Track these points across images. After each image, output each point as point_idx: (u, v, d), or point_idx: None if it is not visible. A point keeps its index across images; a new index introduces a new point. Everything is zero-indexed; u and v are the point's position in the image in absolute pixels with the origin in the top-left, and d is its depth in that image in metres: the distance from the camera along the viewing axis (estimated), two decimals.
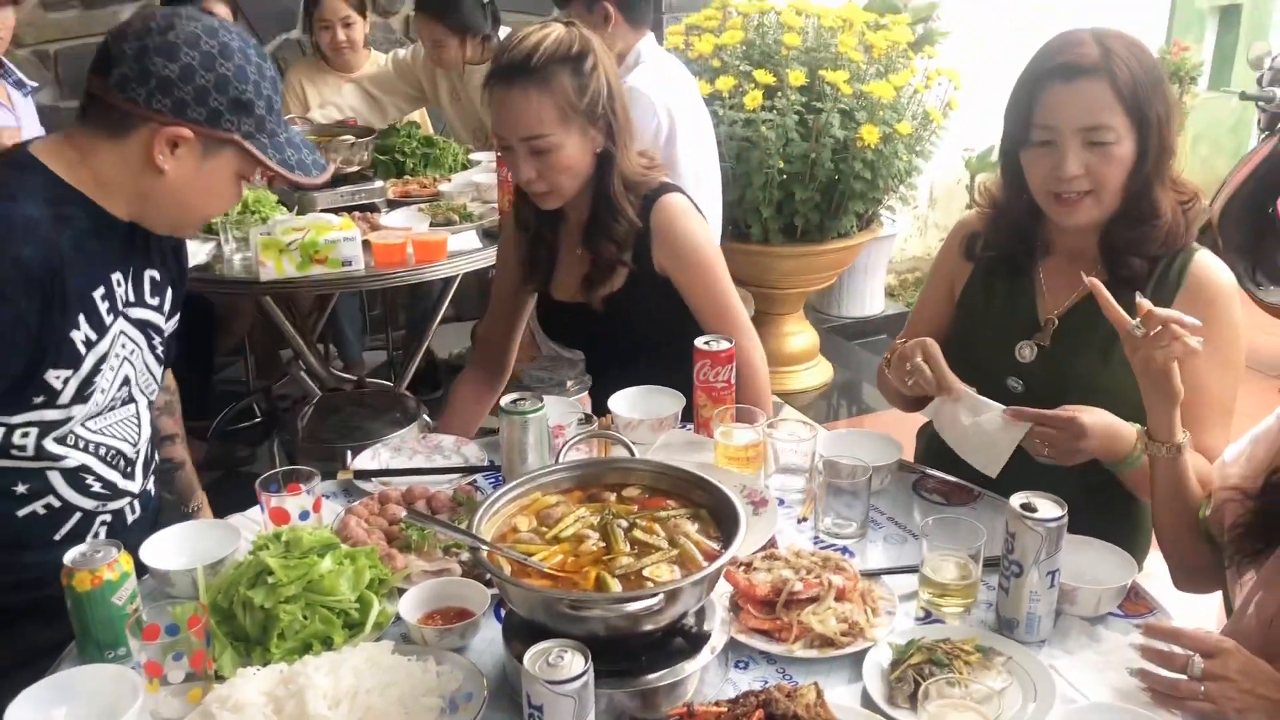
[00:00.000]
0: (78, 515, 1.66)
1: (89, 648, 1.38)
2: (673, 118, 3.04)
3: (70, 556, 1.37)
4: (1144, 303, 1.49)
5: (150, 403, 1.77)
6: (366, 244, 2.80)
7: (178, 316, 1.80)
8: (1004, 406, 1.67)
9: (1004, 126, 1.79)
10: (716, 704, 1.23)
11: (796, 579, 1.42)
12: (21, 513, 1.61)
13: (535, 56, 1.88)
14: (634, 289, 2.09)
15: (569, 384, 1.95)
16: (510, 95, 1.91)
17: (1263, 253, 4.59)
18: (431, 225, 3.00)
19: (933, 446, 2.08)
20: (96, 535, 1.68)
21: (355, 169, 3.20)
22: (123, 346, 1.63)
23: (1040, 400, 1.79)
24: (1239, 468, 1.53)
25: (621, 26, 3.05)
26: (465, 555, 1.54)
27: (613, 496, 1.45)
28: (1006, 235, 1.88)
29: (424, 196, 3.30)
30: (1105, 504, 1.70)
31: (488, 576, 1.42)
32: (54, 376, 1.52)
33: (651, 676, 1.27)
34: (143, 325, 1.67)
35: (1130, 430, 1.63)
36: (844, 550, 1.62)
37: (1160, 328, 1.46)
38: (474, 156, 3.67)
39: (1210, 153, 6.03)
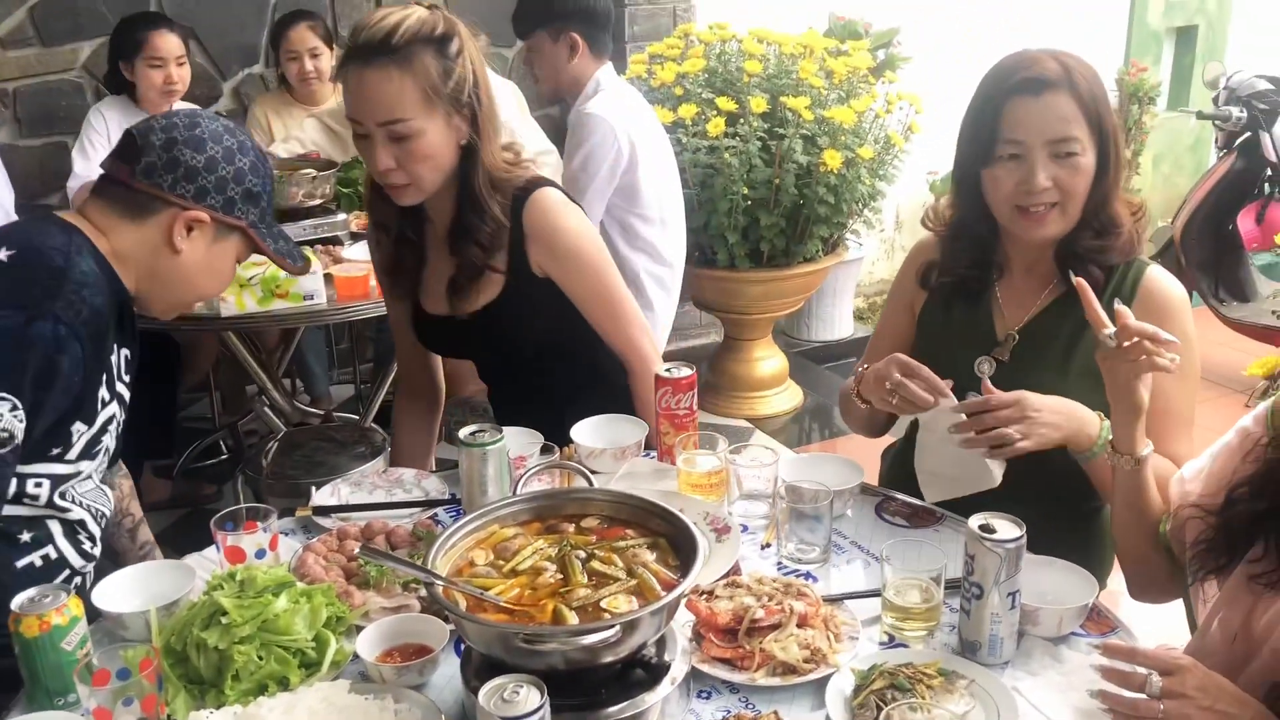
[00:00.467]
0: (65, 574, 1.69)
1: (38, 695, 1.35)
2: (634, 144, 3.05)
3: (17, 602, 1.35)
4: (1124, 311, 1.49)
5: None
6: (329, 277, 2.78)
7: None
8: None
9: (960, 146, 1.81)
10: None
11: (758, 606, 1.41)
12: (20, 563, 1.64)
13: (396, 35, 1.75)
14: (513, 296, 1.97)
15: None
16: (367, 76, 1.76)
17: (1224, 269, 4.64)
18: None
19: (897, 468, 2.08)
20: None
21: (317, 202, 3.19)
22: (115, 412, 1.72)
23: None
24: (1199, 484, 1.54)
25: (585, 56, 3.07)
26: (425, 591, 1.52)
27: (571, 527, 1.43)
28: (963, 256, 1.89)
29: None
30: (1066, 524, 1.70)
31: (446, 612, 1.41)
32: (76, 429, 1.63)
33: (612, 709, 1.25)
34: (121, 399, 1.74)
35: (1093, 414, 1.64)
36: (807, 575, 1.61)
37: (1133, 341, 1.47)
38: None
39: (1171, 171, 6.11)
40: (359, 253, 3.03)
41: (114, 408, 1.70)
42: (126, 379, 1.73)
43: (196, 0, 4.21)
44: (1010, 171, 1.73)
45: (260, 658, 1.35)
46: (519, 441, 1.81)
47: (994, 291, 1.88)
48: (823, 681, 1.35)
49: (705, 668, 1.38)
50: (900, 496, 1.83)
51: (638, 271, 3.21)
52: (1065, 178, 1.70)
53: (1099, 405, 1.62)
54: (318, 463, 2.88)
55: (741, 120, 3.78)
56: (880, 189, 4.05)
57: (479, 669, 1.28)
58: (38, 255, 1.57)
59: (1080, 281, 1.56)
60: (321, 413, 3.89)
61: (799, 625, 1.40)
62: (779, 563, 1.65)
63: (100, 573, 1.79)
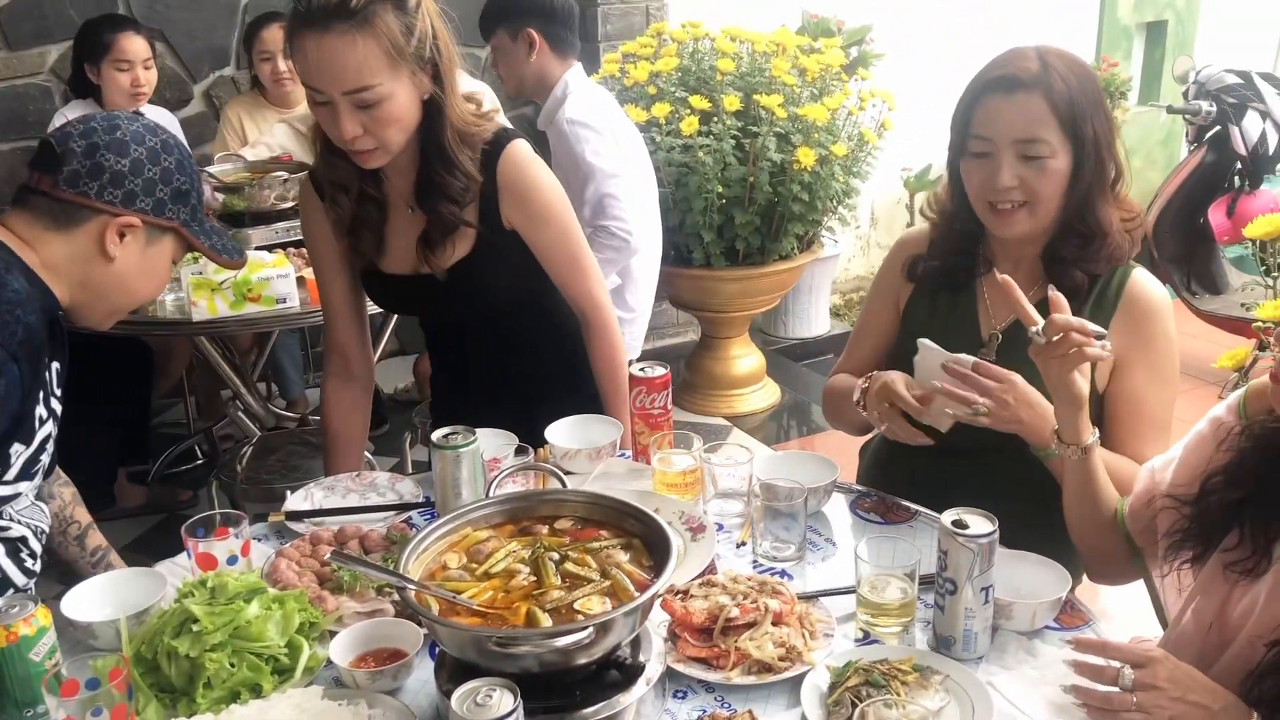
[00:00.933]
0: (9, 593, 1.65)
1: (7, 707, 1.34)
2: (615, 145, 3.05)
3: None
4: (1057, 300, 1.52)
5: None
6: (301, 280, 2.77)
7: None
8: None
9: (950, 137, 1.82)
10: None
11: (733, 605, 1.41)
12: None
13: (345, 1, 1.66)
14: (484, 251, 1.93)
15: None
16: (327, 42, 1.67)
17: (1196, 262, 4.68)
18: None
19: (874, 466, 2.09)
20: None
21: (289, 205, 3.17)
22: (51, 430, 1.68)
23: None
24: (1170, 473, 1.55)
25: (547, 55, 3.06)
26: (398, 595, 1.51)
27: (545, 529, 1.43)
28: (951, 246, 1.89)
29: None
30: (1039, 518, 1.70)
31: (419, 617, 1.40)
32: (15, 450, 1.59)
33: (587, 711, 1.25)
34: (55, 416, 1.69)
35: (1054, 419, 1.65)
36: (782, 573, 1.61)
37: (1060, 336, 1.48)
38: None
39: (1143, 165, 6.15)
40: None
41: (50, 425, 1.66)
42: (59, 393, 1.69)
43: (166, 3, 4.18)
44: (979, 167, 1.74)
45: (232, 665, 1.34)
46: (493, 443, 1.80)
47: (980, 288, 1.88)
48: (798, 679, 1.35)
49: (680, 667, 1.37)
50: (875, 493, 1.83)
51: (628, 269, 3.21)
52: (1031, 179, 1.70)
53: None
54: (293, 467, 2.87)
55: (715, 119, 3.78)
56: (854, 186, 4.06)
57: (453, 673, 1.27)
58: None
59: (1005, 279, 1.57)
60: (296, 416, 3.87)
61: (774, 623, 1.41)
62: (754, 561, 1.65)
63: (55, 583, 1.78)
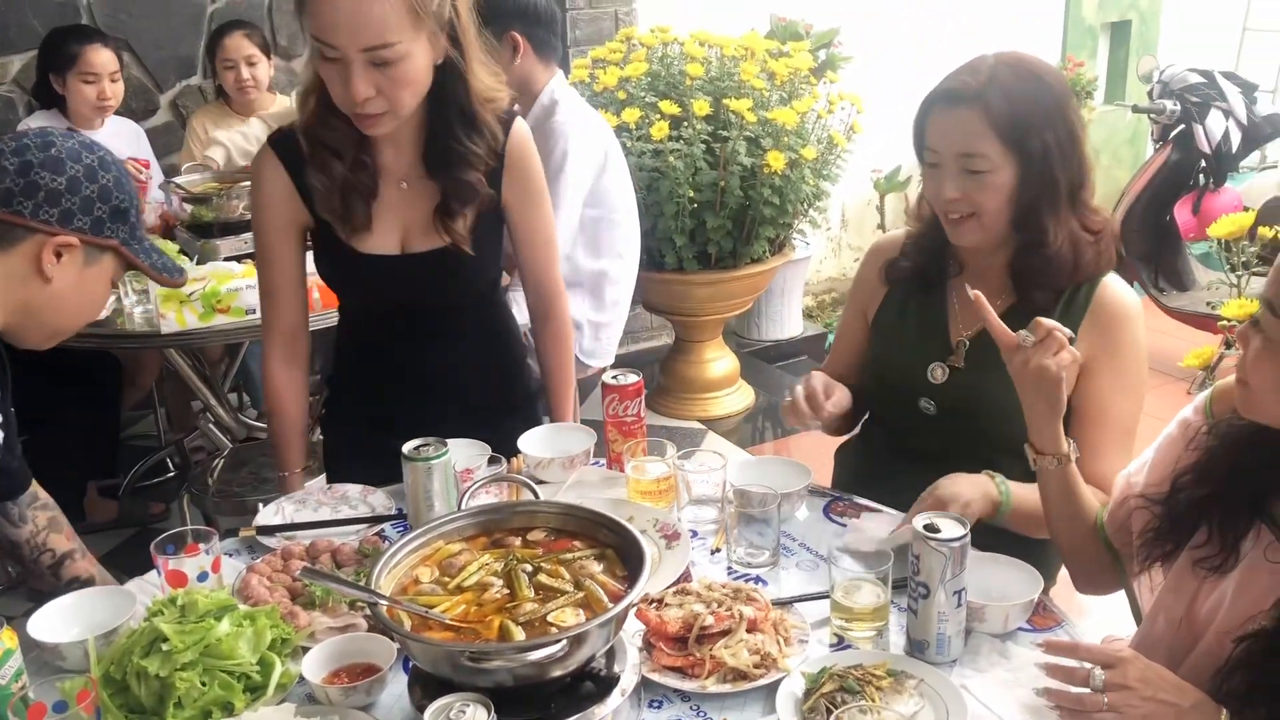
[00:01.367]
0: None
1: None
2: (607, 148, 3.06)
3: None
4: (977, 296, 1.54)
5: None
6: None
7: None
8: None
9: None
10: None
11: (708, 613, 1.41)
12: None
13: None
14: (482, 229, 1.89)
15: None
16: None
17: (1163, 259, 4.72)
18: None
19: (849, 467, 2.10)
20: None
21: None
22: None
23: (952, 420, 1.82)
24: (1143, 475, 1.56)
25: (530, 58, 3.01)
26: (370, 611, 1.50)
27: (517, 541, 1.42)
28: (924, 248, 1.90)
29: None
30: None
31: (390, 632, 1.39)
32: None
33: None
34: None
35: (985, 479, 1.66)
36: (757, 580, 1.61)
37: (1047, 335, 1.48)
38: None
39: (1110, 164, 6.21)
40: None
41: None
42: (1, 419, 1.66)
43: (129, 13, 4.14)
44: (931, 177, 1.76)
45: (203, 684, 1.32)
46: (465, 454, 1.80)
47: (949, 295, 1.89)
48: (773, 686, 1.35)
49: (656, 677, 1.37)
50: (848, 497, 1.84)
51: (604, 273, 3.21)
52: (974, 191, 1.71)
53: None
54: (265, 479, 2.84)
55: (685, 123, 3.79)
56: (824, 189, 4.08)
57: (427, 688, 1.26)
58: None
59: (976, 294, 1.56)
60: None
61: (749, 630, 1.40)
62: (729, 567, 1.65)
63: (25, 600, 1.74)
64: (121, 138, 3.83)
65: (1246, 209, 4.51)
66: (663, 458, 1.81)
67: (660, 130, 3.72)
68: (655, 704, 1.36)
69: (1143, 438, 1.62)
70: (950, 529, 1.39)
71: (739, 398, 4.45)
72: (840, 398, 1.83)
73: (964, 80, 1.70)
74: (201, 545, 1.55)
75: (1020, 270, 1.78)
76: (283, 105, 4.03)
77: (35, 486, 1.77)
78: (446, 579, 1.35)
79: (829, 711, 1.26)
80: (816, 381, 1.81)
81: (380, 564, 1.32)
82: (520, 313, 2.19)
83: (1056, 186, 1.71)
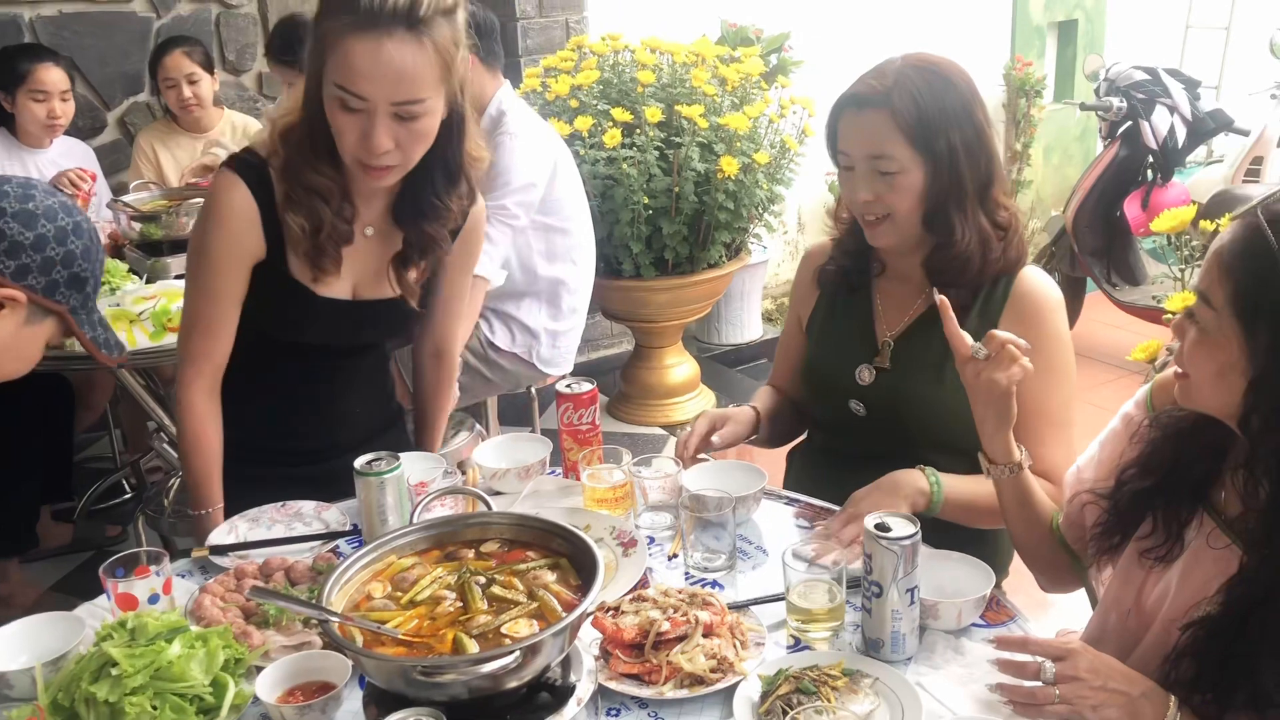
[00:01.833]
0: None
1: None
2: (556, 158, 3.05)
3: None
4: (942, 301, 1.54)
5: None
6: None
7: None
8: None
9: None
10: None
11: (664, 619, 1.41)
12: None
13: (424, 6, 1.59)
14: (430, 281, 1.95)
15: (448, 434, 1.92)
16: (387, 48, 1.58)
17: (1114, 254, 4.78)
18: None
19: (802, 470, 2.11)
20: None
21: None
22: None
23: (881, 420, 1.84)
24: (1092, 470, 1.58)
25: (478, 69, 3.02)
26: (322, 628, 1.49)
27: (471, 553, 1.42)
28: (847, 250, 1.92)
29: None
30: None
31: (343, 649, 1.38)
32: None
33: None
34: None
35: (911, 476, 1.67)
36: (714, 584, 1.62)
37: (1001, 349, 1.49)
38: None
39: (1061, 161, 6.29)
40: None
41: None
42: None
43: (74, 30, 4.10)
44: (845, 180, 1.78)
45: (154, 708, 1.30)
46: (419, 467, 1.79)
47: (875, 296, 1.91)
48: (731, 690, 1.35)
49: (613, 685, 1.37)
50: (803, 499, 1.84)
51: (561, 280, 3.21)
52: (885, 193, 1.73)
53: (967, 413, 1.65)
54: None
55: (638, 130, 3.80)
56: (779, 193, 4.10)
57: (382, 704, 1.25)
58: None
59: (942, 300, 1.57)
60: None
61: (705, 635, 1.41)
62: (686, 573, 1.66)
63: None
64: (71, 157, 3.79)
65: (1195, 203, 4.57)
66: (619, 465, 1.81)
67: (613, 138, 3.73)
68: (613, 711, 1.36)
69: (1096, 430, 1.64)
70: (901, 528, 1.40)
71: (700, 403, 4.45)
72: (730, 431, 1.88)
73: (871, 83, 1.72)
74: (152, 567, 1.53)
75: (933, 269, 1.80)
76: (231, 122, 4.00)
77: None
78: (399, 594, 1.34)
79: (785, 713, 1.26)
80: (701, 425, 1.86)
81: (332, 580, 1.31)
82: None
83: (964, 185, 1.72)
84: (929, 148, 1.69)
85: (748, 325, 5.05)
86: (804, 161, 4.17)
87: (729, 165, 3.76)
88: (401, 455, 1.67)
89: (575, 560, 1.37)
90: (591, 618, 1.42)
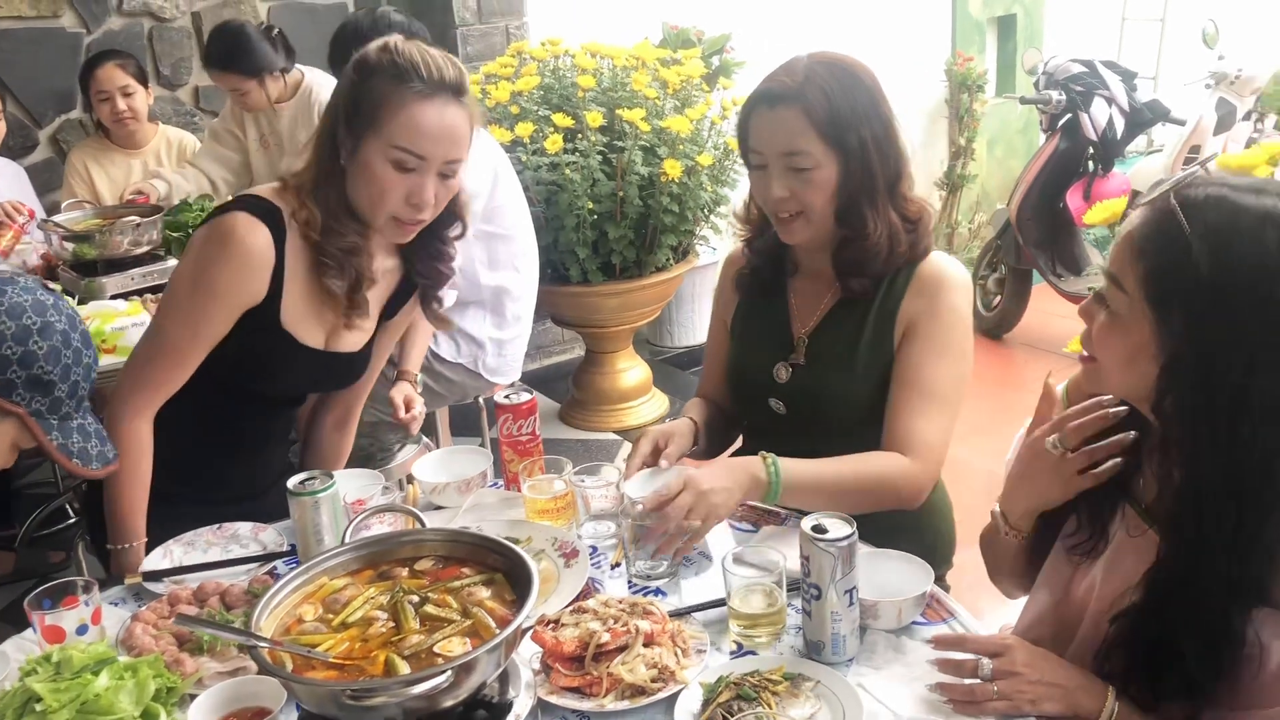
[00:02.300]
0: None
1: None
2: (496, 166, 3.04)
3: None
4: (1049, 386, 1.47)
5: None
6: None
7: None
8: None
9: None
10: None
11: (604, 630, 1.40)
12: None
13: (462, 80, 1.75)
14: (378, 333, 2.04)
15: (394, 448, 1.90)
16: (446, 113, 1.72)
17: (1059, 245, 4.84)
18: None
19: None
20: None
21: (144, 249, 3.07)
22: None
23: (800, 417, 1.85)
24: None
25: None
26: (251, 655, 1.46)
27: (405, 571, 1.39)
28: (760, 251, 1.93)
29: None
30: (897, 514, 1.73)
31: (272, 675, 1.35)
32: None
33: None
34: None
35: (746, 464, 1.66)
36: (657, 592, 1.60)
37: (1083, 450, 1.37)
38: None
39: (1004, 155, 6.35)
40: None
41: None
42: None
43: (0, 47, 4.01)
44: (758, 179, 1.78)
45: None
46: (356, 484, 1.76)
47: (789, 295, 1.92)
48: (673, 700, 1.34)
49: (553, 699, 1.35)
50: (746, 501, 1.84)
51: (504, 288, 3.18)
52: (800, 190, 1.73)
53: (884, 402, 1.72)
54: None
55: (580, 135, 3.78)
56: (723, 194, 4.10)
57: None
58: None
59: (1048, 383, 1.47)
60: None
61: (646, 644, 1.39)
62: (630, 582, 1.64)
63: None
64: (2, 178, 3.71)
65: (1136, 192, 4.64)
66: (560, 475, 1.80)
67: (555, 143, 3.71)
68: None
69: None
70: (837, 529, 1.40)
71: (653, 406, 4.45)
72: (676, 448, 1.84)
73: (782, 80, 1.72)
74: (81, 597, 1.50)
75: (839, 261, 1.81)
76: (166, 138, 3.95)
77: None
78: (331, 616, 1.31)
79: None
80: (644, 445, 1.81)
81: (261, 604, 1.28)
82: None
83: (875, 180, 1.74)
84: (842, 143, 1.70)
85: (699, 327, 5.04)
86: None
87: (672, 168, 3.76)
88: (339, 472, 1.65)
89: (510, 575, 1.35)
90: (531, 631, 1.40)
